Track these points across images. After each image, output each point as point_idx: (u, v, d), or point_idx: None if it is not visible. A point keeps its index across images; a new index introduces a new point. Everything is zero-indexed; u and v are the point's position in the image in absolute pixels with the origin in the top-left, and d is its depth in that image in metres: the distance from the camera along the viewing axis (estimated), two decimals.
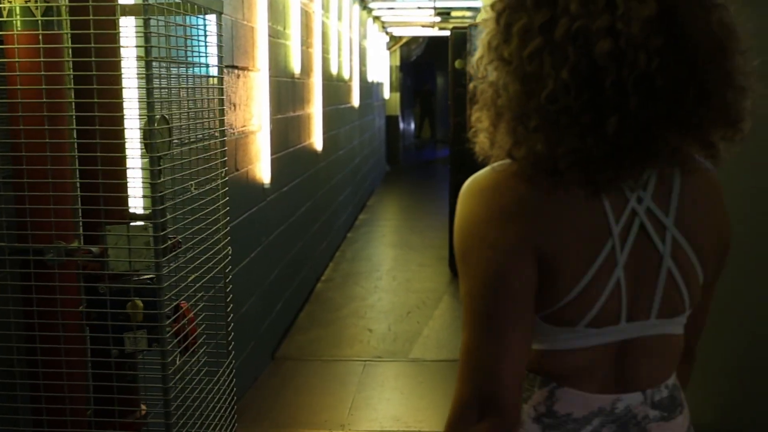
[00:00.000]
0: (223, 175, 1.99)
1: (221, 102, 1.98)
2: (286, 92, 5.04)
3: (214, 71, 2.10)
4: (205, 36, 1.97)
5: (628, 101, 0.96)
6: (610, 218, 1.04)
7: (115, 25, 1.54)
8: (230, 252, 2.06)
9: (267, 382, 4.20)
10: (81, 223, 1.82)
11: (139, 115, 1.61)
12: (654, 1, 0.95)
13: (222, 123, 2.00)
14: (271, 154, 4.40)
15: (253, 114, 4.09)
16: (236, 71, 3.76)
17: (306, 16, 5.69)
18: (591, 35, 0.95)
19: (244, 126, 3.92)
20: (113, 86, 1.57)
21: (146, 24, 1.50)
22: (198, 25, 1.91)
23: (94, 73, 1.55)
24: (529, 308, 1.04)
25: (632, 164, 1.01)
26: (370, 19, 10.87)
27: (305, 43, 5.65)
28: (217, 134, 2.00)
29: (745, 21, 1.04)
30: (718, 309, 2.67)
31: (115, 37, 1.54)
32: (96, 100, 1.56)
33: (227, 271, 2.06)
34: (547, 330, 1.08)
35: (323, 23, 6.52)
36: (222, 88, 1.98)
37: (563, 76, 0.96)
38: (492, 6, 1.05)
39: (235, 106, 3.75)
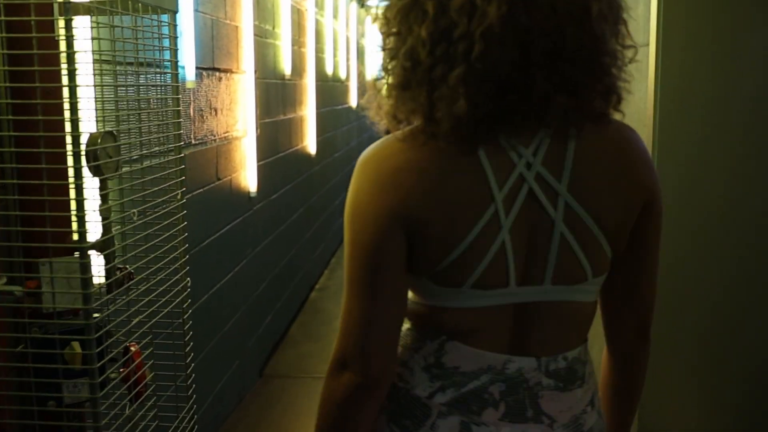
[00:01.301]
0: (179, 197, 1.74)
1: (177, 114, 1.73)
2: (276, 94, 4.80)
3: (187, 76, 1.85)
4: (160, 38, 1.72)
5: (472, 52, 0.96)
6: (492, 183, 1.03)
7: (32, 28, 1.29)
8: (189, 284, 1.82)
9: (253, 401, 3.98)
10: (15, 259, 1.58)
11: (70, 132, 1.36)
12: None
13: (179, 138, 1.75)
14: (258, 161, 4.16)
15: (238, 119, 3.85)
16: (218, 74, 3.52)
17: (298, 14, 5.45)
18: None
19: (227, 132, 3.68)
20: (30, 100, 1.32)
21: (68, 26, 1.26)
22: (146, 26, 1.66)
23: (8, 84, 1.30)
24: (401, 276, 1.07)
25: (495, 121, 1.00)
26: (369, 17, 10.61)
27: (297, 42, 5.40)
28: (172, 150, 1.75)
29: None
30: (737, 314, 2.66)
31: (32, 42, 1.29)
32: (9, 117, 1.31)
33: (185, 306, 1.81)
34: (435, 289, 1.09)
35: (317, 21, 6.27)
36: (179, 98, 1.73)
37: (422, 33, 0.98)
38: None
39: (216, 111, 3.51)
